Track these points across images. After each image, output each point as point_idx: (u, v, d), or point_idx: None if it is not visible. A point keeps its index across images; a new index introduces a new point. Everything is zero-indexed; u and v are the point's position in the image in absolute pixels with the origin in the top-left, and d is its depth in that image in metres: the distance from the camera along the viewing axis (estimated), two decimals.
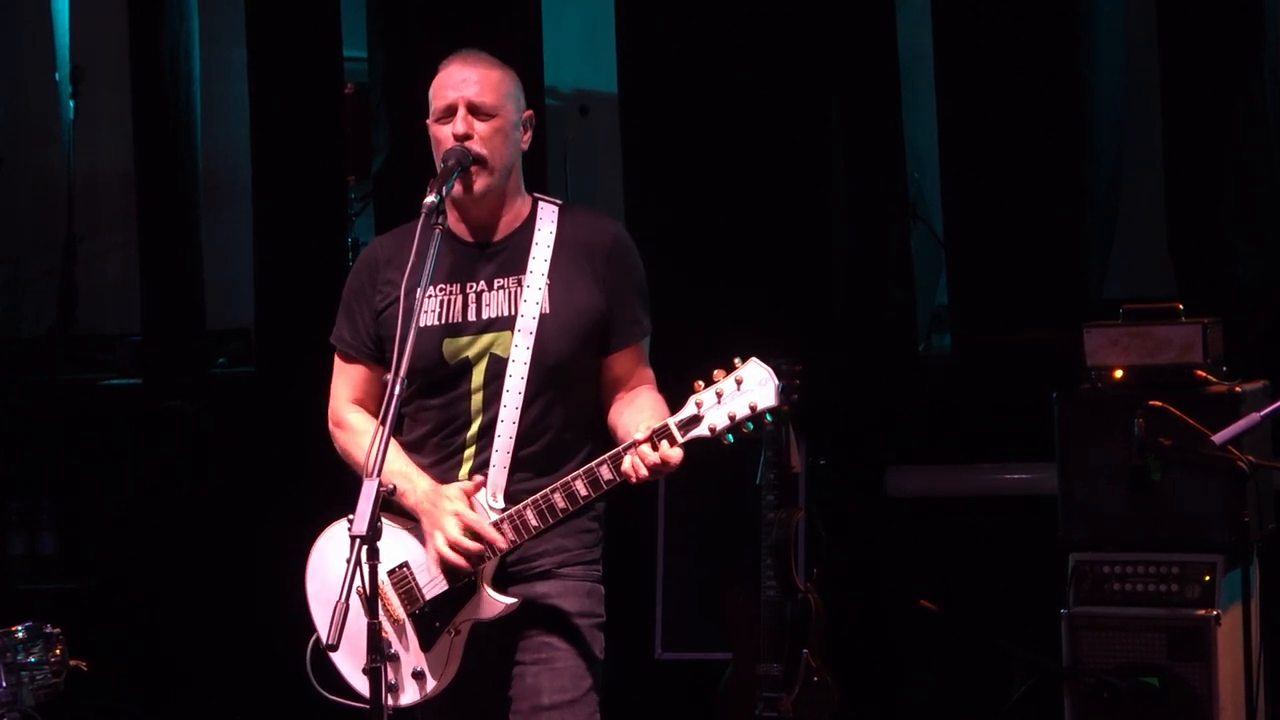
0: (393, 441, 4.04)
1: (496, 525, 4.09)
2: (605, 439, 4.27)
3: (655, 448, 3.94)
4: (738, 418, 3.93)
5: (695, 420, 3.95)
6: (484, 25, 7.01)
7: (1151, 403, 5.41)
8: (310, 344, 5.18)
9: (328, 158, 7.65)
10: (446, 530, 4.07)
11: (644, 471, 3.96)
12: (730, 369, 3.96)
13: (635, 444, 3.97)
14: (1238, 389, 5.59)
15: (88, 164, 8.75)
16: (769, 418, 3.95)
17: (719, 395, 3.94)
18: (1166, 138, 6.62)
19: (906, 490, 6.76)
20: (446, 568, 4.12)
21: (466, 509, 4.09)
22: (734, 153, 6.88)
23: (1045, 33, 6.61)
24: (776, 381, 3.92)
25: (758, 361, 3.95)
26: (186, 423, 7.65)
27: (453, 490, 4.12)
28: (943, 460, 6.75)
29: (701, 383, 3.97)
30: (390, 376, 3.91)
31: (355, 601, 3.75)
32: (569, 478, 4.05)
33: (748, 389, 3.92)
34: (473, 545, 4.07)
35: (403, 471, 4.12)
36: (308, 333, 6.81)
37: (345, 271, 7.42)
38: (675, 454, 3.95)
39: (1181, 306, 5.80)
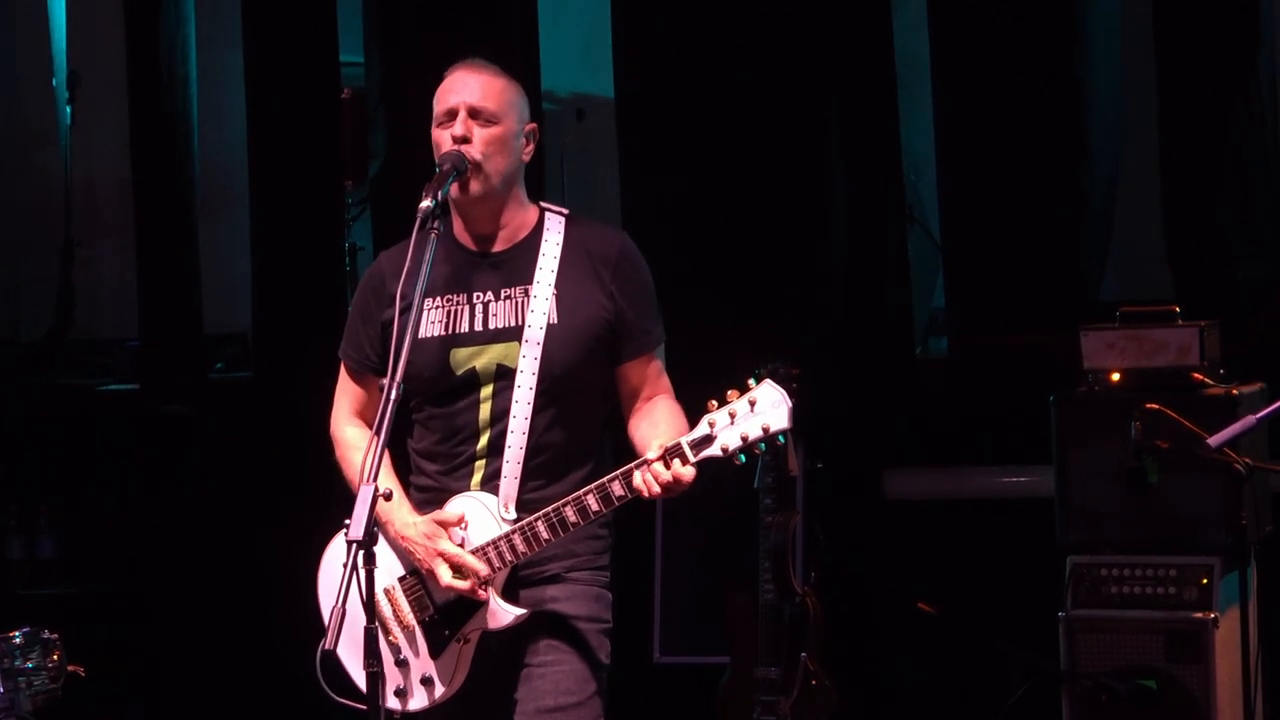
0: (384, 461, 4.04)
1: (508, 537, 4.10)
2: (616, 447, 4.28)
3: (668, 466, 3.96)
4: (750, 439, 3.94)
5: (708, 440, 3.96)
6: (480, 29, 7.03)
7: (1148, 405, 5.41)
8: (308, 348, 5.19)
9: (325, 162, 7.65)
10: (440, 576, 4.11)
11: (657, 489, 3.97)
12: (744, 389, 3.96)
13: (647, 462, 3.98)
14: (1235, 391, 5.59)
15: (85, 169, 8.76)
16: (781, 439, 3.96)
17: (732, 416, 3.94)
18: (1163, 140, 6.63)
19: (904, 493, 6.76)
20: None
21: (449, 545, 4.11)
22: (731, 156, 6.88)
23: (1041, 35, 6.62)
24: (790, 403, 3.93)
25: (771, 383, 3.96)
26: (184, 427, 7.64)
27: (429, 526, 4.13)
28: (940, 463, 6.75)
29: (715, 402, 3.98)
30: (385, 383, 3.91)
31: (360, 606, 3.76)
32: (581, 492, 4.06)
33: (761, 410, 3.93)
34: (463, 584, 4.10)
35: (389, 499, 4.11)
36: (305, 337, 6.86)
37: (343, 276, 7.59)
38: (688, 473, 3.96)
39: (1178, 309, 5.80)
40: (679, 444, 3.97)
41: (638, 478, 3.99)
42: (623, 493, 4.03)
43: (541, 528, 4.08)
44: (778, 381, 3.96)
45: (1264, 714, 5.55)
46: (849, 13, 6.87)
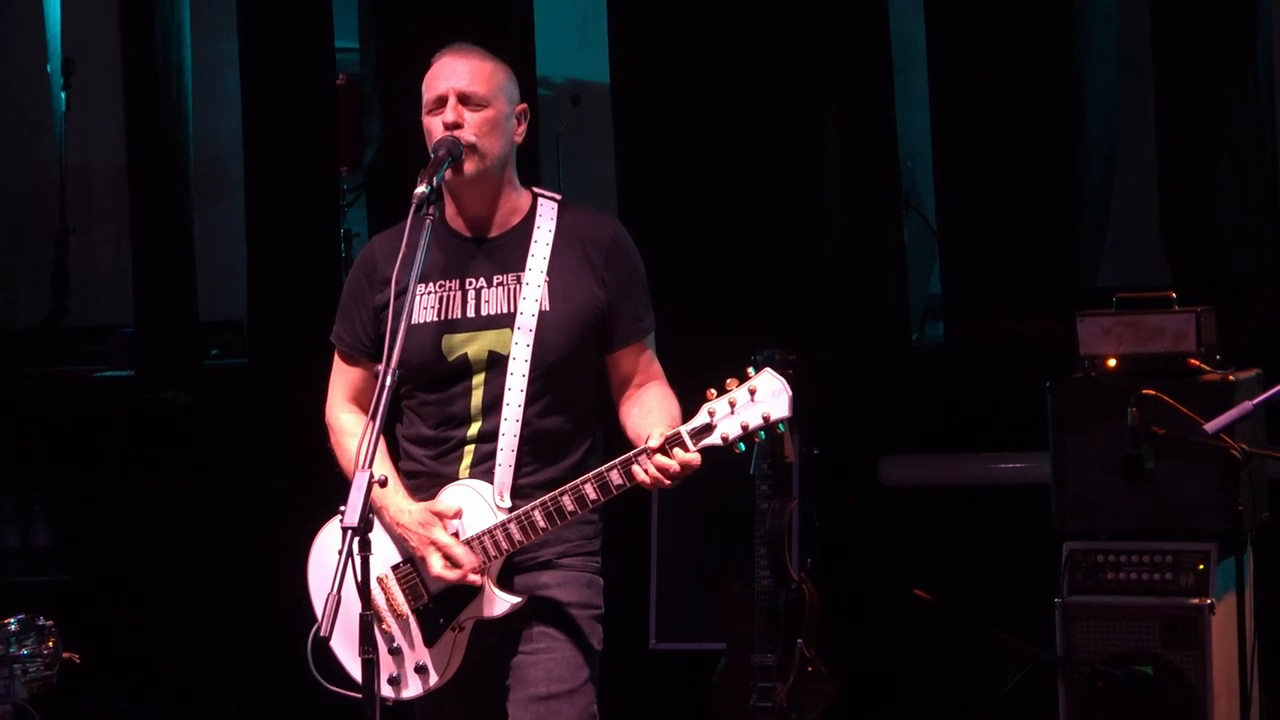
0: (380, 447, 4.04)
1: (504, 526, 4.10)
2: (607, 432, 4.28)
3: (669, 455, 3.95)
4: (751, 427, 3.93)
5: (708, 429, 3.95)
6: (476, 15, 7.02)
7: (1145, 391, 5.40)
8: (303, 335, 5.18)
9: (320, 149, 7.63)
10: (432, 565, 4.11)
11: (666, 481, 3.97)
12: (743, 377, 3.95)
13: (648, 451, 3.97)
14: (1231, 377, 5.58)
15: (80, 156, 8.76)
16: (781, 427, 3.95)
17: (732, 405, 3.94)
18: (1160, 127, 6.63)
19: (900, 480, 6.76)
20: None
21: (442, 534, 4.11)
22: (727, 143, 6.88)
23: (1038, 23, 6.61)
24: (790, 392, 3.93)
25: (771, 372, 3.95)
26: (180, 414, 7.64)
27: (424, 514, 4.13)
28: (936, 450, 6.75)
29: (714, 390, 3.97)
30: (381, 369, 3.90)
31: (354, 593, 3.76)
32: (578, 481, 4.06)
33: (761, 399, 3.93)
34: (453, 575, 4.09)
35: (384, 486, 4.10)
36: (301, 324, 6.84)
37: (338, 262, 7.58)
38: (694, 459, 3.95)
39: (1175, 295, 5.79)
40: (679, 433, 3.96)
41: (641, 472, 3.97)
42: (621, 481, 4.02)
43: (538, 516, 4.08)
44: (775, 368, 3.96)
45: (1260, 699, 5.55)
46: None
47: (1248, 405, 5.07)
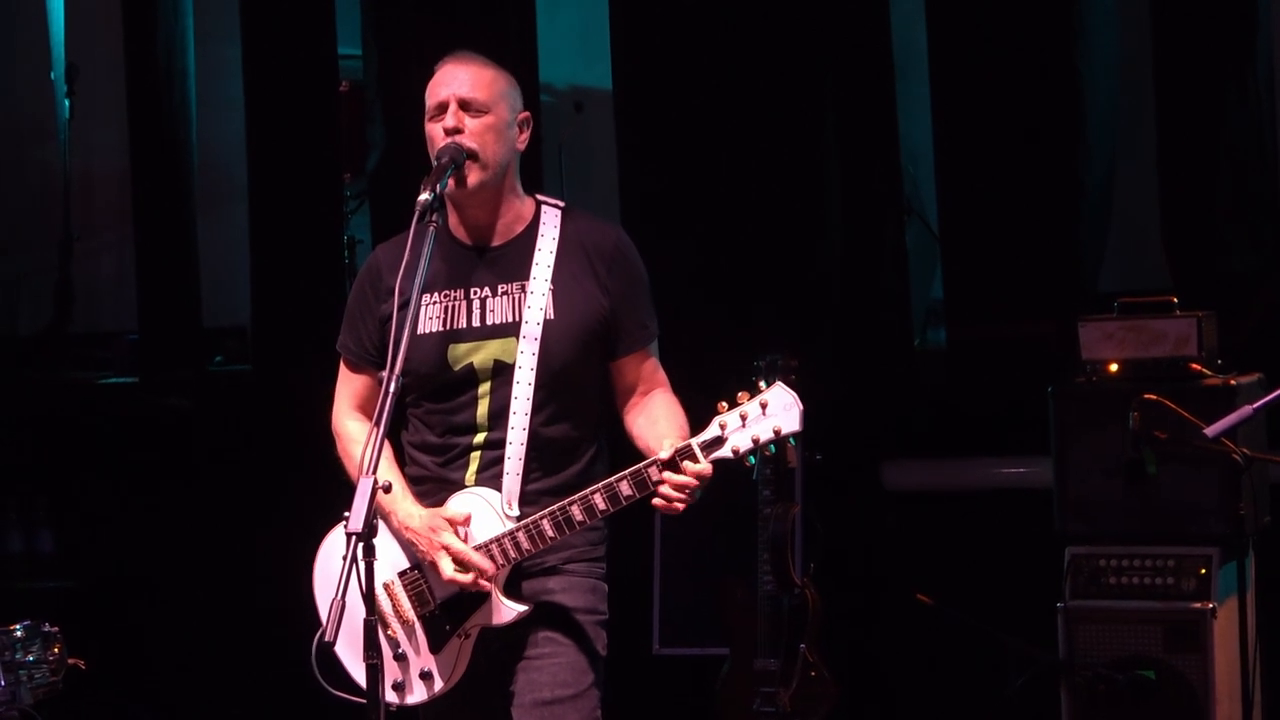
0: (386, 453, 4.05)
1: (512, 535, 4.11)
2: (612, 438, 4.28)
3: (679, 469, 3.96)
4: (761, 441, 3.95)
5: (719, 441, 3.97)
6: (478, 21, 7.02)
7: (1147, 396, 5.41)
8: (307, 341, 5.19)
9: (323, 155, 7.65)
10: (443, 569, 4.11)
11: (684, 496, 3.98)
12: (754, 391, 3.97)
13: (658, 463, 3.98)
14: (1232, 381, 5.59)
15: (83, 162, 8.77)
16: (792, 441, 3.96)
17: (743, 418, 3.95)
18: (1161, 130, 6.63)
19: (903, 484, 6.76)
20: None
21: (453, 538, 4.12)
22: (729, 148, 6.88)
23: (1040, 26, 6.61)
24: (801, 406, 3.94)
25: (783, 385, 3.97)
26: (184, 420, 7.65)
27: (433, 519, 4.14)
28: (939, 454, 6.75)
29: (725, 404, 3.98)
30: (384, 375, 3.91)
31: (359, 598, 3.77)
32: (587, 491, 4.06)
33: (773, 413, 3.94)
34: (465, 578, 4.10)
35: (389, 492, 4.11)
36: (304, 330, 6.86)
37: (341, 269, 7.60)
38: (706, 469, 3.97)
39: (1176, 299, 5.80)
40: (690, 446, 3.98)
41: (662, 487, 3.98)
42: (631, 492, 4.03)
43: (547, 525, 4.09)
44: (778, 375, 3.97)
45: (1262, 704, 5.55)
46: (847, 3, 6.86)
47: (1246, 410, 5.07)
